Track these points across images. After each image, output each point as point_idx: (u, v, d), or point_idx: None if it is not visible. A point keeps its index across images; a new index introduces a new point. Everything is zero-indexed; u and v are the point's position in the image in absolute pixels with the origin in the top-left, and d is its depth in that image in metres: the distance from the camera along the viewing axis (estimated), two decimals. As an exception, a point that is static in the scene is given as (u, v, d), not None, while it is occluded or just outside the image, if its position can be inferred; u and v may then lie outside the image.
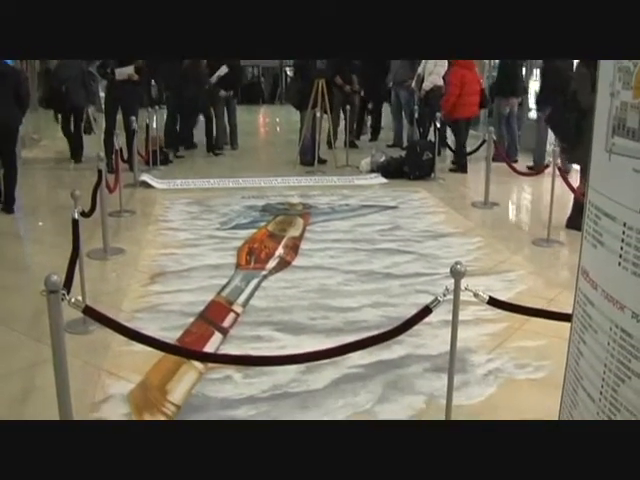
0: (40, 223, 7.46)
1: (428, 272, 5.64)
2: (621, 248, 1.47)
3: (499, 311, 4.38)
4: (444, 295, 2.95)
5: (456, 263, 2.95)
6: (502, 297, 3.23)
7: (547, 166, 6.96)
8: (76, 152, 10.71)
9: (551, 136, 10.27)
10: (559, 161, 6.50)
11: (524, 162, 10.19)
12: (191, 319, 4.64)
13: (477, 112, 10.90)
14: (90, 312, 2.96)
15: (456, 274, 2.93)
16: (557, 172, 6.37)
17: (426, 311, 2.99)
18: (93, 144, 10.53)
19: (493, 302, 3.06)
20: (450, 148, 10.30)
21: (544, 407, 3.53)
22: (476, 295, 3.00)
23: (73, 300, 2.87)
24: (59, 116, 11.04)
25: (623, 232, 1.47)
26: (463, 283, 2.97)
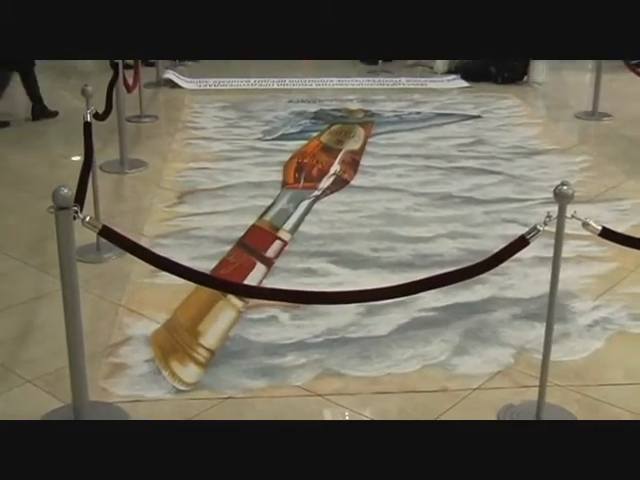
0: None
1: (519, 197, 5.55)
2: None
3: (607, 248, 4.32)
4: (545, 223, 2.88)
5: (562, 184, 2.86)
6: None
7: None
8: None
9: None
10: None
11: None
12: (228, 247, 4.65)
13: None
14: (108, 234, 2.95)
15: (562, 197, 2.85)
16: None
17: (521, 243, 2.92)
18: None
19: (607, 234, 2.97)
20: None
21: (664, 366, 3.49)
22: (585, 225, 2.91)
23: (88, 219, 2.87)
24: None
25: None
26: (569, 210, 2.89)
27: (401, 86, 9.31)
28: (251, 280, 4.22)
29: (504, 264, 3.09)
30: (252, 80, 9.47)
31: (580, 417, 3.15)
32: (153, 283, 4.14)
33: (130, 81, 6.74)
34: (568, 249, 4.35)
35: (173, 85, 9.04)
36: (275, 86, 9.24)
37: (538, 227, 2.89)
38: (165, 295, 4.03)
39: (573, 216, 2.90)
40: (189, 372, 3.44)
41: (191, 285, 3.70)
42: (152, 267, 3.28)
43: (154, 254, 3.11)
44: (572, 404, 3.24)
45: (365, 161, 6.35)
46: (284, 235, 4.86)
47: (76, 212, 2.82)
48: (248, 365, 3.49)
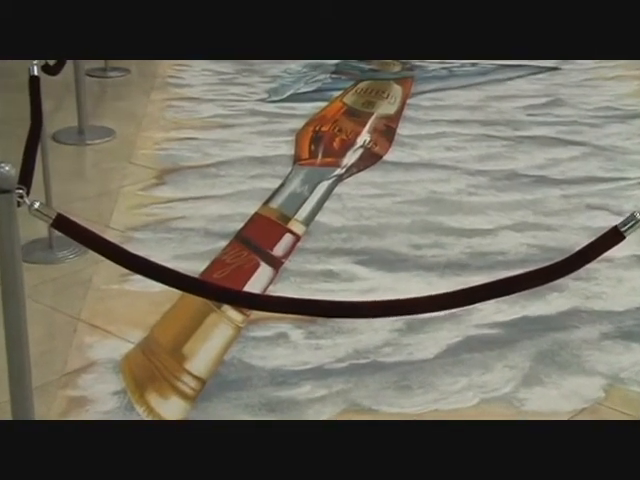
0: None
1: (609, 176, 5.54)
2: None
3: None
4: (646, 211, 2.86)
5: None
6: None
7: None
8: None
9: None
10: None
11: None
12: (223, 243, 4.66)
13: None
14: (64, 225, 2.96)
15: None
16: None
17: (614, 237, 2.90)
18: None
19: None
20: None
21: None
22: (698, 211, 2.90)
23: (37, 206, 2.87)
24: None
25: None
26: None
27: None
28: (254, 286, 4.23)
29: (590, 265, 3.07)
30: (253, 22, 9.48)
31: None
32: (123, 290, 4.15)
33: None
34: (674, 245, 4.35)
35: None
36: (284, 30, 9.25)
37: (637, 216, 2.87)
38: (140, 306, 4.04)
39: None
40: (172, 407, 3.45)
41: (174, 293, 3.70)
42: (122, 269, 3.28)
43: (125, 252, 3.11)
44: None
45: (403, 129, 6.35)
46: (296, 227, 4.86)
47: (21, 197, 2.82)
48: (250, 398, 3.48)
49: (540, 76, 7.57)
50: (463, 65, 7.93)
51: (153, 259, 3.07)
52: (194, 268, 4.32)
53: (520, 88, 7.26)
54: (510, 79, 7.52)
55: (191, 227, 4.84)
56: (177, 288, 3.23)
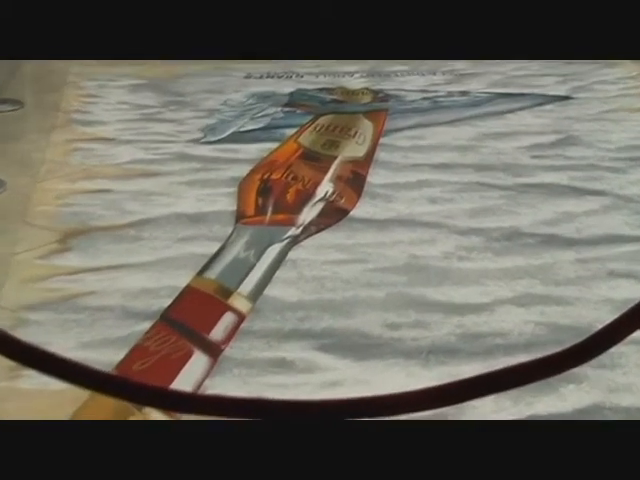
0: None
1: (636, 235, 5.59)
2: None
3: None
4: (681, 280, 2.89)
5: None
6: None
7: None
8: None
9: None
10: None
11: None
12: (146, 325, 4.64)
13: None
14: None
15: None
16: None
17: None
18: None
19: None
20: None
21: None
22: None
23: None
24: None
25: None
26: None
27: (435, 49, 9.38)
28: (185, 380, 4.23)
29: (614, 349, 3.07)
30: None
31: None
32: (15, 389, 4.12)
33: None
34: None
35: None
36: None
37: (671, 286, 2.90)
38: (36, 409, 4.01)
39: None
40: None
41: (81, 393, 3.67)
42: (11, 362, 3.26)
43: (15, 340, 3.09)
44: None
45: (375, 177, 6.39)
46: (240, 303, 4.86)
47: None
48: (179, 528, 3.46)
49: (548, 107, 7.65)
50: (451, 94, 8.00)
51: (53, 348, 3.05)
52: (107, 359, 4.31)
53: (523, 123, 7.33)
54: (510, 112, 7.60)
55: (104, 305, 4.82)
56: (84, 387, 3.20)
